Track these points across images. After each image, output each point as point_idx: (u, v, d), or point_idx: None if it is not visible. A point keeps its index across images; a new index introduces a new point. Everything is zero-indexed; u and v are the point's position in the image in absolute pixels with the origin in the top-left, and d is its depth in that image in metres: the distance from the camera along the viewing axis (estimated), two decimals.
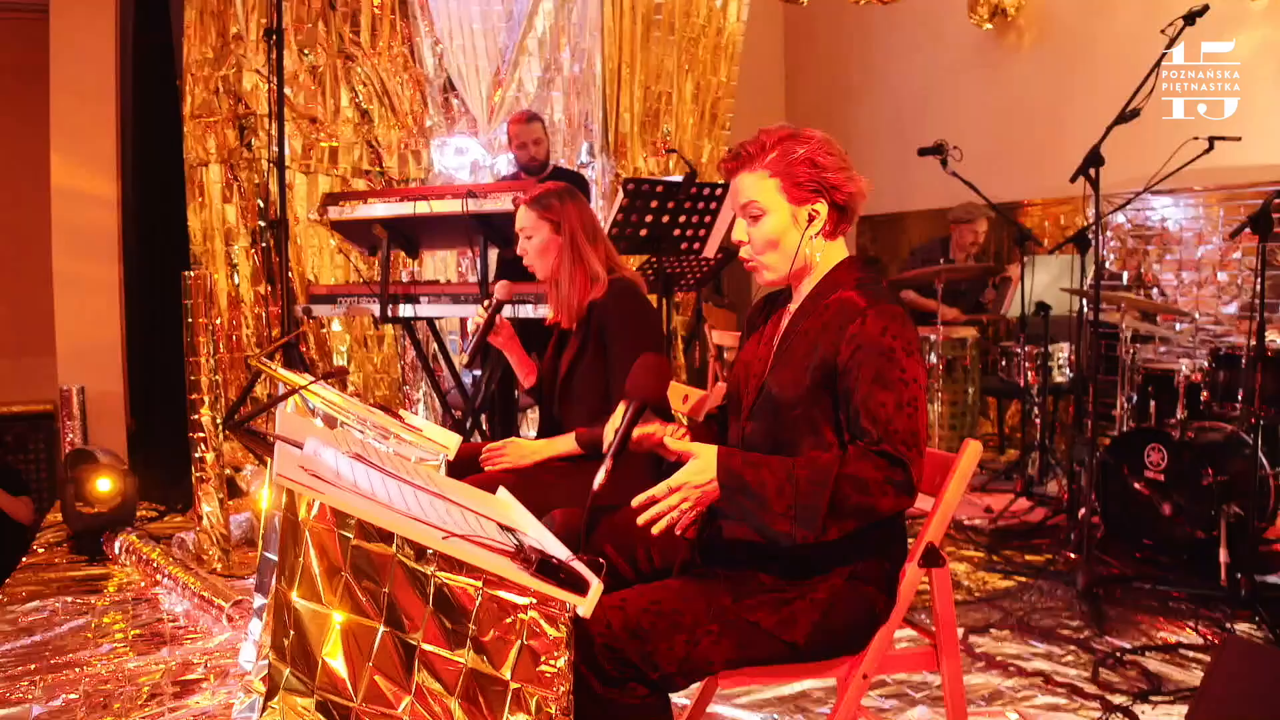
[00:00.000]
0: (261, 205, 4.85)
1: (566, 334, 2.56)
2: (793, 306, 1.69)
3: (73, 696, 2.45)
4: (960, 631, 2.83)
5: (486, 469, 2.43)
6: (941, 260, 4.84)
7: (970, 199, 5.02)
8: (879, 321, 1.51)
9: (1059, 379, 4.56)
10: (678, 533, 1.53)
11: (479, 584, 1.19)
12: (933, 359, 4.62)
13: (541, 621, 1.19)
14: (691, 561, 1.69)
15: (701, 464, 1.48)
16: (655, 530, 1.49)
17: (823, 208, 1.60)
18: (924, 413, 1.52)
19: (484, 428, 4.23)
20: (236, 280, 4.84)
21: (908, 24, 6.35)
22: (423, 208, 3.46)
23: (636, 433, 1.61)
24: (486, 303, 2.58)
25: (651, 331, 2.48)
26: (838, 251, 1.66)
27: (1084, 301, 3.78)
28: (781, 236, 1.61)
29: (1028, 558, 3.57)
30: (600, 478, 1.54)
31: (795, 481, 1.44)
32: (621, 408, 1.61)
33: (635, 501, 1.51)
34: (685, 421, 1.79)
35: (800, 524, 1.44)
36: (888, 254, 6.74)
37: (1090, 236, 3.49)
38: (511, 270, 3.79)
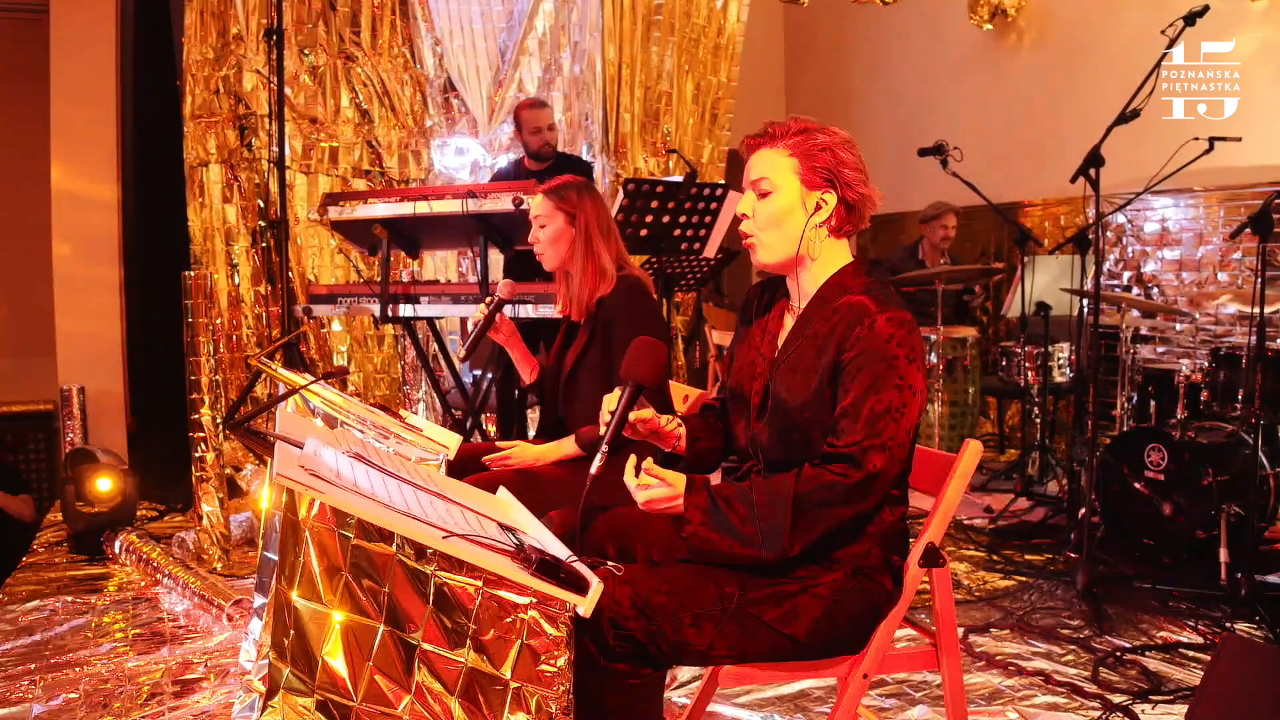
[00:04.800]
0: (262, 205, 4.85)
1: (572, 330, 2.56)
2: (796, 305, 1.68)
3: (73, 696, 2.45)
4: (960, 631, 2.83)
5: (492, 469, 2.43)
6: (913, 265, 4.86)
7: (940, 199, 5.05)
8: (886, 328, 1.52)
9: (1059, 379, 4.56)
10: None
11: (479, 583, 1.19)
12: (933, 359, 4.62)
13: (541, 621, 1.19)
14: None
15: (672, 493, 1.55)
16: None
17: (831, 199, 1.60)
18: (912, 419, 1.53)
19: (484, 428, 4.23)
20: (236, 280, 4.84)
21: (908, 24, 6.35)
22: (423, 208, 3.46)
23: (632, 416, 1.61)
24: (489, 299, 2.58)
25: (658, 330, 2.49)
26: (841, 253, 1.65)
27: (1084, 301, 3.78)
28: (786, 217, 1.61)
29: (1028, 558, 3.57)
30: (597, 462, 1.54)
31: (755, 507, 1.51)
32: (617, 392, 1.61)
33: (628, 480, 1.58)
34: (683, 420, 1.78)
35: (767, 546, 1.50)
36: (887, 254, 6.74)
37: (1090, 237, 3.49)
38: (518, 269, 3.79)
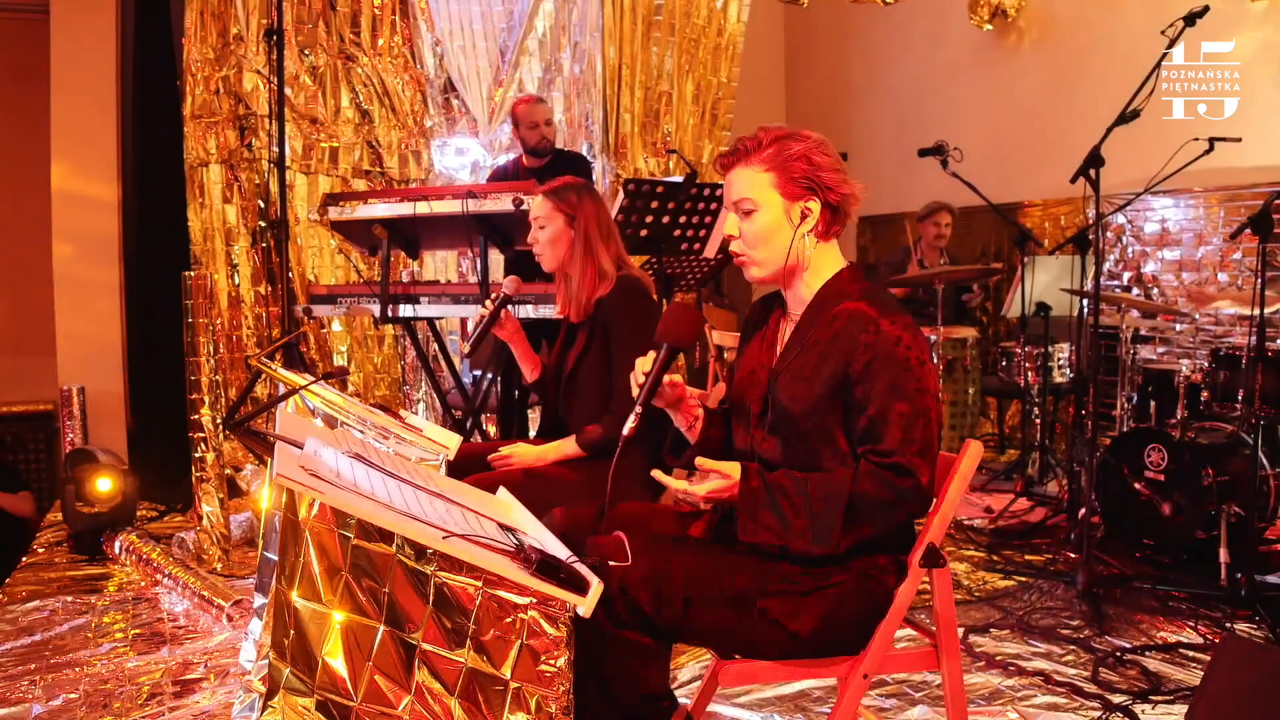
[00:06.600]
0: (262, 205, 4.86)
1: (573, 331, 2.56)
2: (794, 313, 1.68)
3: (73, 696, 2.45)
4: (960, 631, 2.83)
5: (494, 468, 2.44)
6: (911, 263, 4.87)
7: (940, 198, 5.07)
8: (893, 331, 1.52)
9: (1059, 379, 4.56)
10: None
11: (479, 584, 1.19)
12: (933, 358, 4.62)
13: (541, 621, 1.19)
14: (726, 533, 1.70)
15: (730, 482, 1.55)
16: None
17: (815, 206, 1.60)
18: (937, 422, 1.54)
19: (484, 428, 4.23)
20: (236, 280, 4.84)
21: (908, 24, 6.35)
22: (423, 208, 3.46)
23: (665, 379, 1.62)
24: (494, 295, 2.57)
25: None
26: (833, 257, 1.66)
27: (1084, 302, 3.78)
28: (773, 233, 1.61)
29: (1028, 558, 3.57)
30: (630, 423, 1.55)
31: (809, 501, 1.51)
32: (651, 354, 1.62)
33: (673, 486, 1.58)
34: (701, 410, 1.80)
35: (816, 541, 1.51)
36: (887, 254, 6.74)
37: (1090, 237, 3.49)
38: (519, 269, 3.79)
